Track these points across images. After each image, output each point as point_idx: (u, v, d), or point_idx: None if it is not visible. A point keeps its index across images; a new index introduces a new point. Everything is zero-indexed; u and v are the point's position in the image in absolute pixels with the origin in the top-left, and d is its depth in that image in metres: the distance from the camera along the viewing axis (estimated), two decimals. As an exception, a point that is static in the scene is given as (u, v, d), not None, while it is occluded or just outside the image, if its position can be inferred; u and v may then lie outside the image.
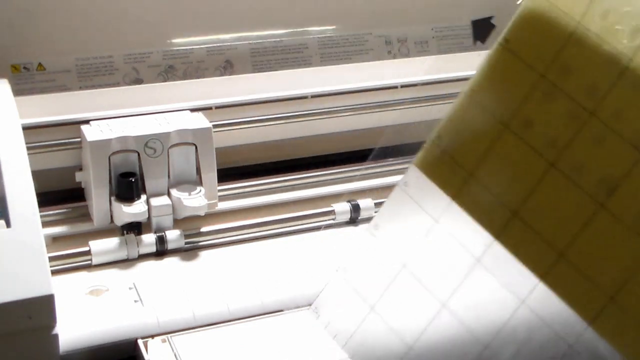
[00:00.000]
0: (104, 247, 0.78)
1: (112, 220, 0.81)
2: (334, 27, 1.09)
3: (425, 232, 0.59)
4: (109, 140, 0.79)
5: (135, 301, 0.71)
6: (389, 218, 0.61)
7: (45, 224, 0.72)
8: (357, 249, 0.62)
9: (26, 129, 0.77)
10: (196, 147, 0.82)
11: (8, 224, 0.65)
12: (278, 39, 1.06)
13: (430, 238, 0.59)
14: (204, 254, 0.81)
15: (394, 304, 0.60)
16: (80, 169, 0.83)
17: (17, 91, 0.87)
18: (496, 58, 0.57)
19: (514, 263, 0.55)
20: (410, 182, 0.60)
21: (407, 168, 0.95)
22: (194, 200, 0.80)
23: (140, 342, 0.67)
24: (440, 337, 0.58)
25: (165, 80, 1.00)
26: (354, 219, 0.87)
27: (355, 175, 0.94)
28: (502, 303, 0.56)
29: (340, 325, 0.63)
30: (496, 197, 0.56)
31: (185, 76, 1.01)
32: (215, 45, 1.03)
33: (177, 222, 0.82)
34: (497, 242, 0.56)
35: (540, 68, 0.56)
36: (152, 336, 0.68)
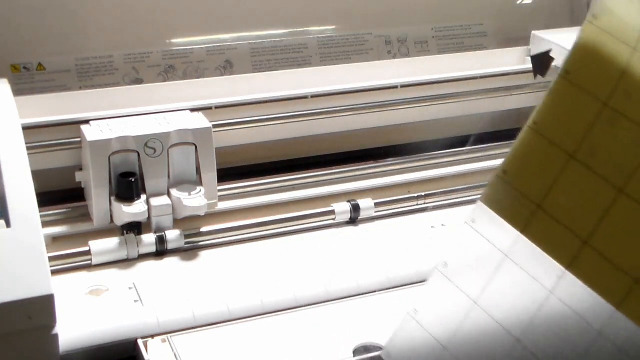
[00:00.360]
0: (104, 247, 0.78)
1: (112, 220, 0.81)
2: (334, 27, 1.09)
3: (495, 267, 0.60)
4: (109, 140, 0.79)
5: (135, 301, 0.71)
6: (458, 255, 0.62)
7: (45, 224, 0.72)
8: (429, 288, 0.62)
9: (26, 129, 0.77)
10: (196, 147, 0.82)
11: (8, 224, 0.65)
12: (278, 39, 1.06)
13: (501, 272, 0.60)
14: (204, 254, 0.81)
15: (466, 342, 0.61)
16: (80, 169, 0.83)
17: (17, 91, 0.87)
18: (558, 90, 0.58)
19: (588, 292, 0.56)
20: (478, 218, 0.61)
21: (410, 168, 0.95)
22: (194, 200, 0.80)
23: (140, 342, 0.67)
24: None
25: (165, 80, 1.00)
26: (354, 219, 0.87)
27: (355, 175, 0.94)
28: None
29: None
30: (565, 227, 0.57)
31: (185, 76, 1.01)
32: (215, 45, 1.03)
33: (177, 222, 0.82)
34: (569, 272, 0.57)
35: (603, 96, 0.57)
36: (152, 336, 0.68)
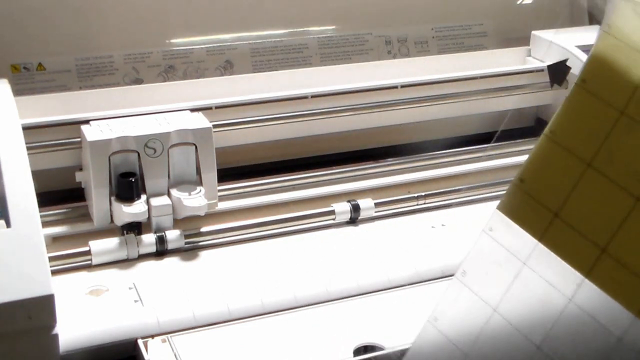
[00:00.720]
0: (104, 247, 0.78)
1: (112, 220, 0.81)
2: (334, 27, 1.09)
3: (514, 275, 0.60)
4: (109, 140, 0.79)
5: (135, 301, 0.71)
6: (476, 264, 0.62)
7: (45, 224, 0.72)
8: (448, 295, 0.63)
9: (26, 129, 0.77)
10: (196, 147, 0.82)
11: (8, 224, 0.65)
12: (278, 39, 1.06)
13: (520, 280, 0.60)
14: (204, 254, 0.81)
15: (487, 349, 0.61)
16: (80, 169, 0.83)
17: (17, 91, 0.87)
18: (575, 99, 0.59)
19: (607, 299, 0.57)
20: (495, 226, 0.61)
21: (410, 168, 0.95)
22: (194, 200, 0.80)
23: (140, 342, 0.67)
24: None
25: (165, 80, 1.00)
26: (354, 219, 0.87)
27: (355, 175, 0.94)
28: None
29: None
30: (583, 235, 0.58)
31: (185, 76, 1.01)
32: (215, 45, 1.03)
33: (177, 222, 0.82)
34: (587, 280, 0.57)
35: (619, 104, 0.57)
36: (152, 336, 0.68)
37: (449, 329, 0.63)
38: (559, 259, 0.59)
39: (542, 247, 0.59)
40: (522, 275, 0.60)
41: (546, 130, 0.60)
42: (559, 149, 0.59)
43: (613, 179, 0.57)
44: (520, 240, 0.60)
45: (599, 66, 0.58)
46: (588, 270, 0.58)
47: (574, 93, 0.59)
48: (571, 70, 1.01)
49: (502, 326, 0.61)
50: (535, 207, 0.59)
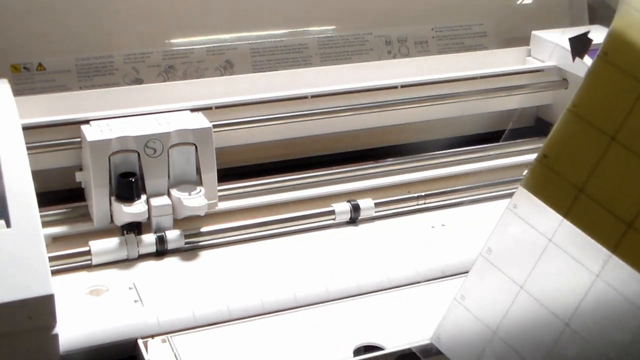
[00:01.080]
0: (104, 247, 0.78)
1: (112, 220, 0.81)
2: (334, 27, 1.09)
3: (539, 252, 0.60)
4: (109, 140, 0.79)
5: (135, 301, 0.71)
6: (501, 241, 0.62)
7: (45, 224, 0.72)
8: (474, 273, 0.62)
9: (26, 129, 0.77)
10: (196, 147, 0.82)
11: (8, 224, 0.65)
12: (278, 39, 1.06)
13: (546, 257, 0.60)
14: (204, 254, 0.81)
15: (514, 329, 0.61)
16: (80, 169, 0.83)
17: (17, 91, 0.87)
18: (597, 72, 0.58)
19: (634, 274, 0.56)
20: (519, 203, 0.61)
21: (410, 168, 0.95)
22: (194, 200, 0.80)
23: (140, 342, 0.67)
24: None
25: (165, 80, 1.00)
26: (354, 219, 0.87)
27: (355, 175, 0.94)
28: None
29: (463, 353, 0.64)
30: (609, 210, 0.57)
31: (185, 76, 1.01)
32: (215, 45, 1.03)
33: (177, 222, 0.81)
34: (615, 255, 0.57)
35: None
36: (152, 336, 0.68)
37: (476, 307, 0.62)
38: (584, 235, 0.58)
39: (567, 224, 0.58)
40: (547, 252, 0.60)
41: (569, 104, 0.59)
42: (582, 123, 0.58)
43: (637, 152, 0.57)
44: (545, 216, 0.59)
45: (620, 38, 0.57)
46: (614, 245, 0.57)
47: (596, 66, 0.58)
48: (571, 71, 1.01)
49: (530, 304, 0.60)
50: (560, 183, 0.59)
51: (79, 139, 0.82)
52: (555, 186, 0.59)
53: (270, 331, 0.69)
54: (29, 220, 0.65)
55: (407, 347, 0.66)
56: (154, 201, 0.80)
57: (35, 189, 0.69)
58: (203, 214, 0.81)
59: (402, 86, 0.97)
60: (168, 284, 0.74)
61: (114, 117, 0.84)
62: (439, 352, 0.65)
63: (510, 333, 0.61)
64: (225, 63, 1.03)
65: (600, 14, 1.22)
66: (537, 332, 0.60)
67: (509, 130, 1.00)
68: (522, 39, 1.09)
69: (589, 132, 0.58)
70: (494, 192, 0.93)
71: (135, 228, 0.81)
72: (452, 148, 1.00)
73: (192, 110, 0.87)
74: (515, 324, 0.61)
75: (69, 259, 0.77)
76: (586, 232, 0.58)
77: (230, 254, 0.81)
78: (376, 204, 0.88)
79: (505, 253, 0.62)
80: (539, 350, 0.60)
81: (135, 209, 0.78)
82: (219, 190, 0.85)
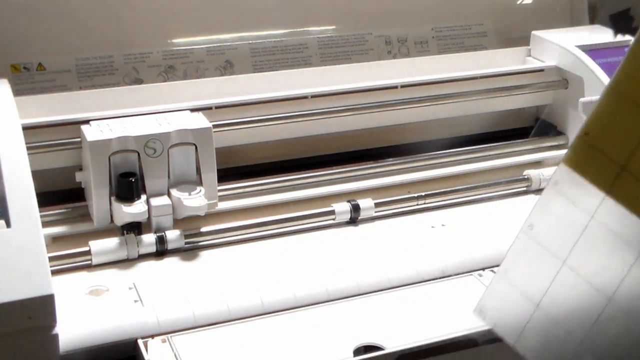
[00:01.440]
0: (104, 247, 0.78)
1: (112, 220, 0.81)
2: (334, 27, 1.09)
3: (581, 228, 0.60)
4: (109, 140, 0.79)
5: (135, 301, 0.71)
6: (543, 218, 0.62)
7: (45, 224, 0.72)
8: (515, 249, 0.63)
9: (26, 129, 0.77)
10: (196, 147, 0.82)
11: (8, 224, 0.65)
12: (278, 39, 1.06)
13: (588, 233, 0.60)
14: (204, 254, 0.81)
15: (557, 303, 0.61)
16: (80, 169, 0.83)
17: (17, 91, 0.87)
18: (638, 50, 0.58)
19: None
20: (561, 180, 0.61)
21: (410, 168, 0.95)
22: (194, 200, 0.80)
23: (140, 342, 0.67)
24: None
25: (165, 80, 1.00)
26: (354, 219, 0.87)
27: (355, 175, 0.94)
28: None
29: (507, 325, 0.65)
30: None
31: (185, 76, 1.01)
32: (215, 45, 1.03)
33: (177, 222, 0.82)
34: None
35: None
36: (152, 336, 0.68)
37: (519, 282, 0.63)
38: (627, 211, 0.58)
39: (609, 200, 0.58)
40: (589, 229, 0.60)
41: (611, 82, 0.59)
42: (623, 100, 0.58)
43: None
44: (587, 193, 0.59)
45: None
46: None
47: (636, 44, 0.58)
48: (571, 71, 1.01)
49: (572, 279, 0.60)
50: (601, 160, 0.59)
51: (79, 139, 0.82)
52: (597, 163, 0.59)
53: (270, 331, 0.69)
54: (29, 220, 0.65)
55: (407, 346, 0.66)
56: (154, 201, 0.80)
57: (35, 189, 0.69)
58: (203, 214, 0.81)
59: (402, 86, 0.97)
60: (168, 284, 0.74)
61: (114, 117, 0.84)
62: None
63: (553, 308, 0.61)
64: (225, 63, 1.03)
65: (601, 14, 1.22)
66: (580, 307, 0.60)
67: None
68: (522, 39, 1.09)
69: (631, 109, 0.58)
70: (494, 192, 0.93)
71: (135, 228, 0.81)
72: (452, 148, 1.00)
73: (192, 110, 0.87)
74: (558, 298, 0.61)
75: (69, 259, 0.77)
76: (629, 208, 0.58)
77: (230, 254, 0.81)
78: (376, 204, 0.88)
79: (547, 229, 0.62)
80: (583, 325, 0.60)
81: (135, 209, 0.78)
82: (219, 190, 0.85)
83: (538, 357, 0.62)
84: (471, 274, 0.78)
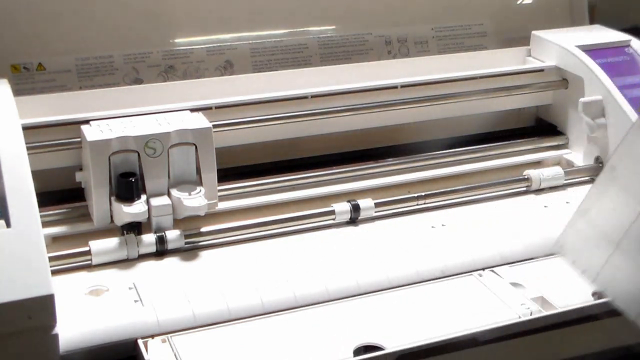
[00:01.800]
0: (104, 247, 0.78)
1: (112, 220, 0.81)
2: (334, 27, 1.09)
3: None
4: (109, 140, 0.79)
5: (135, 301, 0.71)
6: (624, 158, 0.63)
7: (45, 224, 0.72)
8: (596, 190, 0.63)
9: (26, 129, 0.77)
10: (196, 147, 0.82)
11: (8, 224, 0.65)
12: (278, 39, 1.06)
13: None
14: (204, 254, 0.81)
15: (637, 242, 0.61)
16: (80, 169, 0.83)
17: (17, 91, 0.87)
18: None
19: None
20: None
21: (410, 168, 0.95)
22: (194, 200, 0.80)
23: (140, 342, 0.67)
24: None
25: (165, 80, 1.00)
26: (354, 219, 0.87)
27: (355, 175, 0.94)
28: None
29: (586, 262, 0.65)
30: None
31: (185, 76, 1.01)
32: (215, 45, 1.03)
33: (177, 222, 0.81)
34: None
35: None
36: (152, 336, 0.68)
37: (599, 221, 0.63)
38: None
39: None
40: None
41: None
42: None
43: None
44: None
45: None
46: None
47: None
48: (571, 71, 1.01)
49: None
50: None
51: (79, 139, 0.82)
52: None
53: (270, 331, 0.69)
54: (29, 220, 0.65)
55: (407, 347, 0.66)
56: (154, 201, 0.80)
57: (35, 189, 0.69)
58: (203, 214, 0.81)
59: (402, 86, 0.97)
60: (168, 284, 0.74)
61: (114, 117, 0.84)
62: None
63: (632, 247, 0.61)
64: (225, 63, 1.03)
65: (601, 14, 1.22)
66: None
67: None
68: (522, 39, 1.09)
69: None
70: (494, 192, 0.93)
71: (135, 228, 0.81)
72: (452, 148, 1.00)
73: (192, 110, 0.87)
74: (637, 239, 0.61)
75: (69, 259, 0.77)
76: None
77: (230, 254, 0.81)
78: (376, 204, 0.88)
79: (628, 171, 0.62)
80: None
81: (135, 209, 0.78)
82: (219, 190, 0.85)
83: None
84: (471, 274, 0.78)
